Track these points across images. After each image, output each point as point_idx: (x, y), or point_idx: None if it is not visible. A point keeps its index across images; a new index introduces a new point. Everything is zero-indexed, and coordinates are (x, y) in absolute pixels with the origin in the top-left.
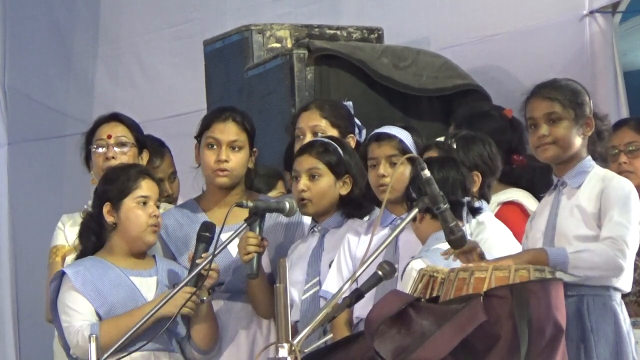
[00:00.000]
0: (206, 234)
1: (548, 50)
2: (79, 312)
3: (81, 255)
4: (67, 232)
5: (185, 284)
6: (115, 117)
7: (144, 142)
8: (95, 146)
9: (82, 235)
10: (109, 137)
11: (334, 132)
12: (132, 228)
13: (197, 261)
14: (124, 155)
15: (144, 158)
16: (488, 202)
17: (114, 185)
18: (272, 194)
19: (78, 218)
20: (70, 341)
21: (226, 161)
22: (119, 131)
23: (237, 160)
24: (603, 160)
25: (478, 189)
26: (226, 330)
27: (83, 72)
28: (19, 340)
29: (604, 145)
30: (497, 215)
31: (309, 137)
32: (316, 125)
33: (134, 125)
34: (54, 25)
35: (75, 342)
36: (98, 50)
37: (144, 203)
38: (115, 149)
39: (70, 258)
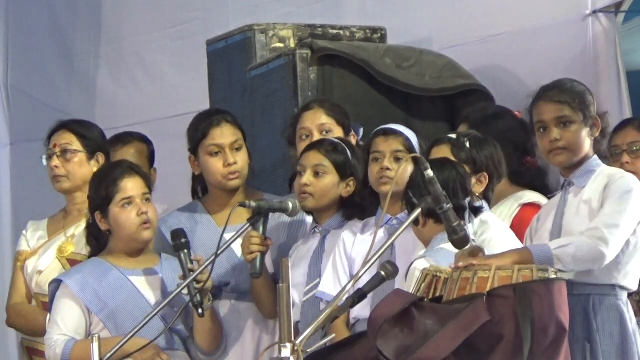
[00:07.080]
0: (181, 241)
1: (551, 50)
2: (60, 325)
3: (90, 257)
4: (29, 237)
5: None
6: (62, 126)
7: (97, 145)
8: (45, 157)
9: (87, 239)
10: (55, 146)
11: (339, 130)
12: (124, 231)
13: (189, 266)
14: (68, 163)
15: (100, 161)
16: (489, 203)
17: (98, 194)
18: None
19: (42, 224)
20: (47, 353)
21: (235, 163)
22: (63, 139)
23: (242, 160)
24: (604, 157)
25: (484, 191)
26: (232, 330)
27: (85, 71)
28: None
29: (605, 143)
30: (519, 215)
31: (316, 136)
32: (323, 123)
33: (80, 132)
34: (56, 25)
35: (49, 355)
36: (100, 49)
37: (129, 203)
38: (59, 158)
39: (29, 262)
